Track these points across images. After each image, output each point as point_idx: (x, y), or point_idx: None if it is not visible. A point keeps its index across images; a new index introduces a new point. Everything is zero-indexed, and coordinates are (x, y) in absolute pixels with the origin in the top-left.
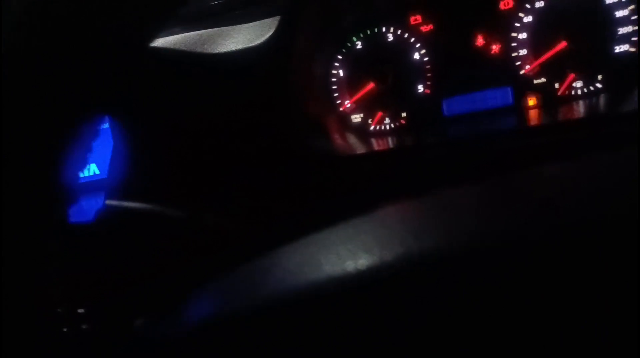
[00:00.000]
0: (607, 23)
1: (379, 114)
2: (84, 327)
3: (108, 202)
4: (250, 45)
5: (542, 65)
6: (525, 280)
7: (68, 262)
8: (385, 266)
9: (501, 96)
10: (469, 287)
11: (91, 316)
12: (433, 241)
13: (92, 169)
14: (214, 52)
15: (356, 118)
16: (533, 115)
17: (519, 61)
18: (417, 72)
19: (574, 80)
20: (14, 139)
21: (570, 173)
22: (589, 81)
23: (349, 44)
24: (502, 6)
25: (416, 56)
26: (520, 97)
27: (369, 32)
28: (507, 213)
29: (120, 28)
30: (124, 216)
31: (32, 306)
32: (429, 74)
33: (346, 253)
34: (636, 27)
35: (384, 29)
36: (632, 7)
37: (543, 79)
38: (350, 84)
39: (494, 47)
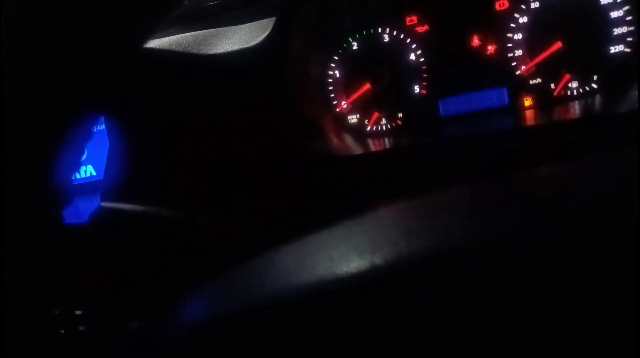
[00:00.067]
0: (602, 24)
1: (375, 114)
2: (81, 328)
3: (103, 204)
4: (246, 46)
5: (537, 65)
6: (518, 281)
7: (64, 264)
8: (376, 270)
9: (497, 96)
10: (460, 290)
11: (89, 317)
12: (424, 244)
13: (88, 171)
14: (209, 53)
15: (352, 119)
16: (529, 115)
17: (514, 62)
18: (413, 72)
19: (570, 80)
20: (7, 141)
21: (566, 174)
22: (584, 81)
23: (344, 45)
24: (497, 7)
25: (412, 56)
26: (516, 98)
27: (364, 32)
28: (500, 214)
29: (114, 29)
30: (118, 218)
31: (29, 308)
32: (425, 75)
33: (338, 255)
34: (631, 28)
35: (379, 30)
36: (627, 7)
37: (539, 80)
38: (347, 85)
39: (489, 47)
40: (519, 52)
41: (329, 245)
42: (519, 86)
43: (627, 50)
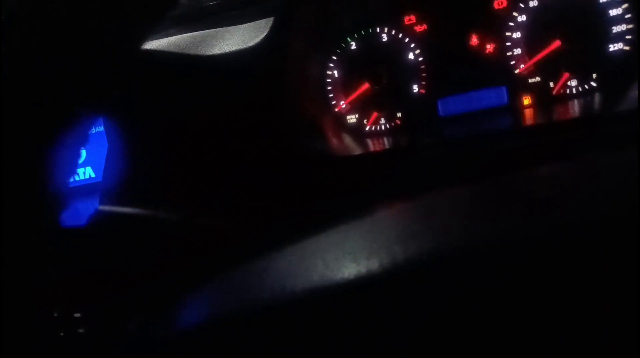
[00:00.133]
0: (601, 22)
1: (374, 114)
2: (80, 330)
3: (101, 207)
4: (245, 46)
5: (536, 64)
6: (518, 283)
7: (63, 266)
8: (372, 275)
9: (496, 95)
10: (460, 292)
11: (88, 319)
12: (423, 245)
13: (87, 173)
14: (208, 54)
15: (351, 119)
16: (528, 114)
17: (513, 61)
18: (412, 72)
19: (569, 79)
20: (3, 142)
21: (565, 173)
22: (583, 80)
23: (343, 45)
24: (496, 6)
25: (411, 56)
26: (515, 97)
27: (363, 32)
28: (500, 215)
29: (112, 29)
30: (117, 220)
31: (28, 310)
32: (423, 74)
33: (333, 260)
34: (630, 26)
35: (378, 30)
36: (625, 5)
37: (538, 79)
38: (345, 85)
39: (488, 46)
40: (517, 51)
41: (325, 249)
42: (518, 85)
43: (626, 48)
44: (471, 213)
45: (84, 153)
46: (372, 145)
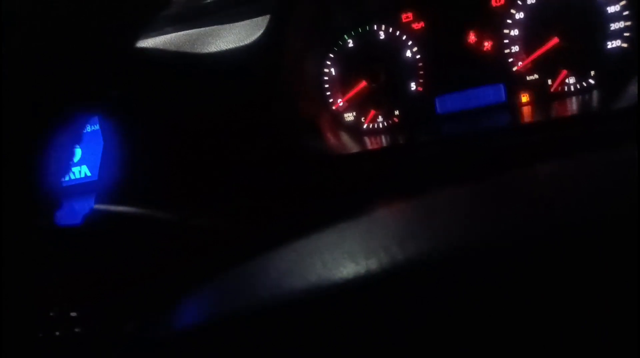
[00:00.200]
0: (599, 19)
1: (372, 112)
2: (76, 330)
3: (96, 206)
4: (242, 44)
5: (534, 62)
6: (517, 282)
7: (58, 265)
8: (370, 275)
9: (494, 93)
10: (459, 292)
11: (84, 319)
12: (421, 245)
13: (82, 171)
14: (205, 52)
15: (349, 117)
16: (526, 112)
17: (511, 58)
18: (409, 70)
19: (567, 76)
20: None
21: (563, 171)
22: (581, 77)
23: (340, 43)
24: (493, 3)
25: (408, 53)
26: (513, 94)
27: (360, 30)
28: (498, 214)
29: (106, 27)
30: (112, 219)
31: (24, 310)
32: (421, 72)
33: (331, 260)
34: (628, 23)
35: (375, 27)
36: (623, 2)
37: (535, 76)
38: (343, 83)
39: (486, 44)
40: (515, 49)
41: (323, 249)
42: (516, 83)
43: (624, 45)
44: (469, 212)
45: (79, 151)
46: (369, 143)
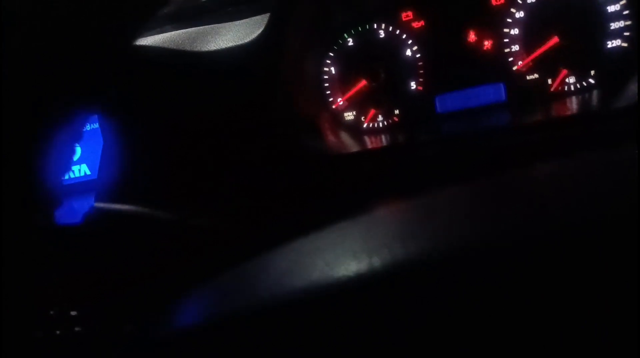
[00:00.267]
0: (599, 18)
1: (372, 111)
2: (77, 329)
3: (96, 204)
4: (241, 42)
5: (534, 61)
6: (517, 282)
7: (58, 264)
8: (373, 273)
9: (494, 92)
10: (460, 291)
11: (84, 318)
12: (421, 244)
13: (82, 170)
14: (204, 50)
15: (349, 116)
16: (526, 111)
17: (511, 57)
18: (409, 69)
19: (567, 76)
20: None
21: (563, 171)
22: (581, 76)
23: (340, 41)
24: (494, 2)
25: (408, 52)
26: (513, 94)
27: (360, 29)
28: (498, 213)
29: (104, 26)
30: (112, 218)
31: (24, 308)
32: (421, 71)
33: (334, 259)
34: (628, 22)
35: (375, 26)
36: (623, 1)
37: (536, 75)
38: (343, 82)
39: (486, 43)
40: (515, 48)
41: (324, 248)
42: (516, 82)
43: (625, 44)
44: (469, 211)
45: (78, 150)
46: (369, 142)
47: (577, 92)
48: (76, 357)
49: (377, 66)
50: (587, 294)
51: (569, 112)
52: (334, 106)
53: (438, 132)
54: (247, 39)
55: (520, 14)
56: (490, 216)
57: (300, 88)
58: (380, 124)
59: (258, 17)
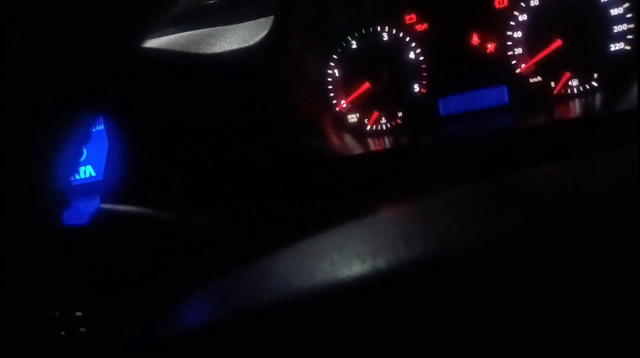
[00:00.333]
0: (602, 21)
1: (375, 114)
2: (81, 330)
3: (103, 205)
4: (244, 45)
5: (537, 64)
6: (520, 283)
7: (64, 265)
8: (378, 274)
9: (497, 95)
10: (463, 292)
11: (89, 319)
12: (425, 246)
13: (87, 171)
14: (208, 53)
15: (352, 118)
16: (529, 114)
17: (514, 60)
18: (412, 71)
19: (570, 79)
20: (5, 142)
21: (566, 173)
22: (584, 79)
23: (344, 44)
24: (497, 4)
25: (411, 55)
26: (516, 96)
27: (363, 31)
28: (500, 216)
29: (112, 28)
30: (119, 219)
31: (29, 309)
32: (424, 74)
33: (339, 260)
34: (631, 25)
35: (378, 29)
36: (626, 5)
37: (539, 78)
38: (346, 84)
39: (489, 46)
40: (518, 51)
41: (329, 249)
42: (519, 85)
43: (627, 48)
44: (472, 213)
45: (84, 151)
46: (373, 145)
47: (580, 95)
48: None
49: (380, 68)
50: (591, 294)
51: (572, 115)
52: (337, 108)
53: (441, 134)
54: (251, 42)
55: (523, 17)
56: (493, 218)
57: (304, 90)
58: (384, 127)
59: (262, 20)
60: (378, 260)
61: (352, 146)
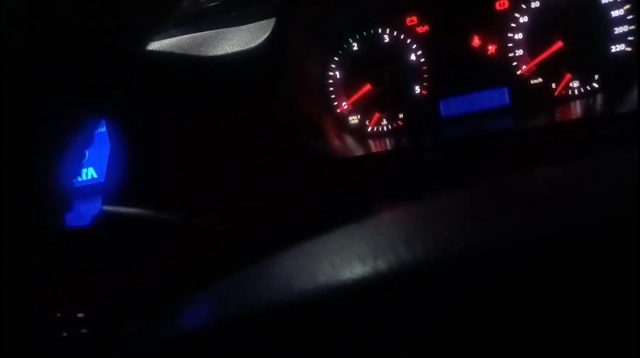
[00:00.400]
0: (602, 23)
1: (376, 115)
2: (83, 331)
3: (105, 207)
4: (246, 47)
5: (538, 65)
6: (521, 285)
7: (66, 267)
8: (379, 275)
9: (498, 96)
10: (464, 293)
11: (91, 320)
12: (426, 248)
13: (89, 173)
14: (210, 55)
15: (353, 120)
16: (530, 116)
17: (515, 62)
18: (413, 73)
19: (571, 80)
20: (8, 144)
21: (567, 175)
22: (585, 81)
23: (345, 46)
24: (497, 6)
25: (412, 57)
26: (517, 98)
27: (364, 33)
28: (501, 218)
29: (115, 31)
30: (121, 221)
31: (31, 310)
32: (425, 75)
33: (340, 261)
34: (632, 27)
35: (379, 30)
36: (627, 6)
37: (540, 80)
38: (347, 86)
39: (490, 47)
40: (519, 52)
41: (329, 250)
42: (520, 86)
43: (628, 49)
44: (473, 215)
45: (86, 153)
46: (374, 146)
47: (581, 96)
48: None
49: (381, 70)
50: (592, 294)
51: (573, 117)
52: (338, 110)
53: (442, 136)
54: (252, 44)
55: (524, 19)
56: (494, 220)
57: (305, 92)
58: (385, 128)
59: (263, 22)
60: (379, 262)
61: (353, 147)
